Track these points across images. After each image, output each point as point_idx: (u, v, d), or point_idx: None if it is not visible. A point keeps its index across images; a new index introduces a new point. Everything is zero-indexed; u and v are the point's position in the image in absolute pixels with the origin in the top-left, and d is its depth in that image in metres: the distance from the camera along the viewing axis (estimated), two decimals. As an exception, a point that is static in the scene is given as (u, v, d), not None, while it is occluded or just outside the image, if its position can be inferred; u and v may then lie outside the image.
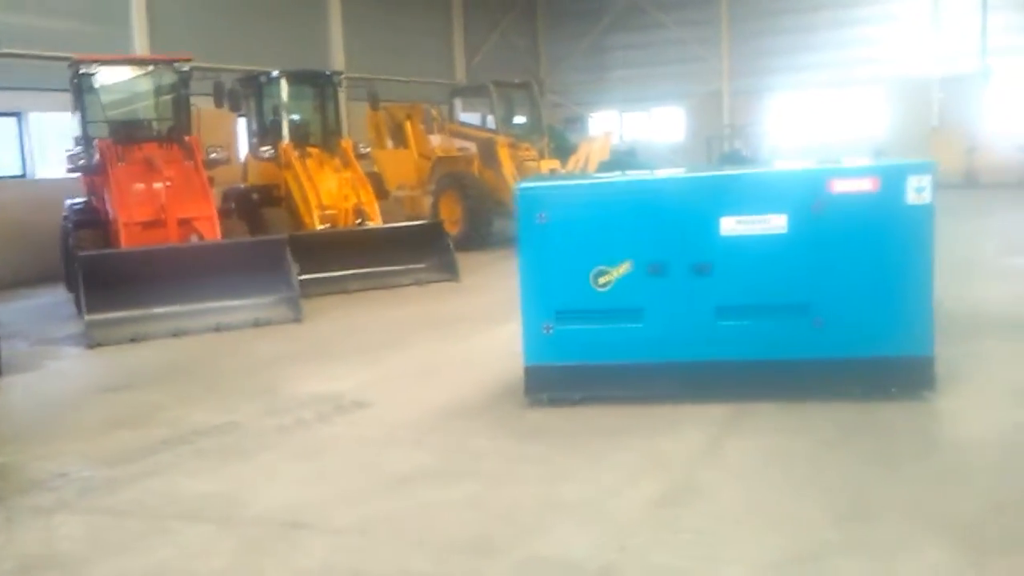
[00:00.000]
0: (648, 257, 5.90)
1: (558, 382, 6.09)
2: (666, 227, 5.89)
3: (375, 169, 17.63)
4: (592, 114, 30.31)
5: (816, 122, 26.67)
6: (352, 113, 19.65)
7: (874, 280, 5.74)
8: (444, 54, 25.43)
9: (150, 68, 12.03)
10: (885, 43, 25.41)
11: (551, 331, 6.02)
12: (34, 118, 14.47)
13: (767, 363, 5.91)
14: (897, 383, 5.79)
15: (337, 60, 20.68)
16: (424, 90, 22.03)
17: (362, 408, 6.38)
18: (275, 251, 9.99)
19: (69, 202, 12.40)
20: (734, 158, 21.06)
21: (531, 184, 6.16)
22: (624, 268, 5.93)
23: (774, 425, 5.50)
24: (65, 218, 12.05)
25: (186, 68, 11.93)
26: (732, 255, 5.82)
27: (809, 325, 5.82)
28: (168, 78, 12.03)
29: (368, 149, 14.56)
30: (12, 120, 14.41)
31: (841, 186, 5.70)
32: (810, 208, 5.70)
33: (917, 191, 5.62)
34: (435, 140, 17.81)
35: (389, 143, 18.13)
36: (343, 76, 17.73)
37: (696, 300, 5.89)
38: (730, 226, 5.81)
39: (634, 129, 29.61)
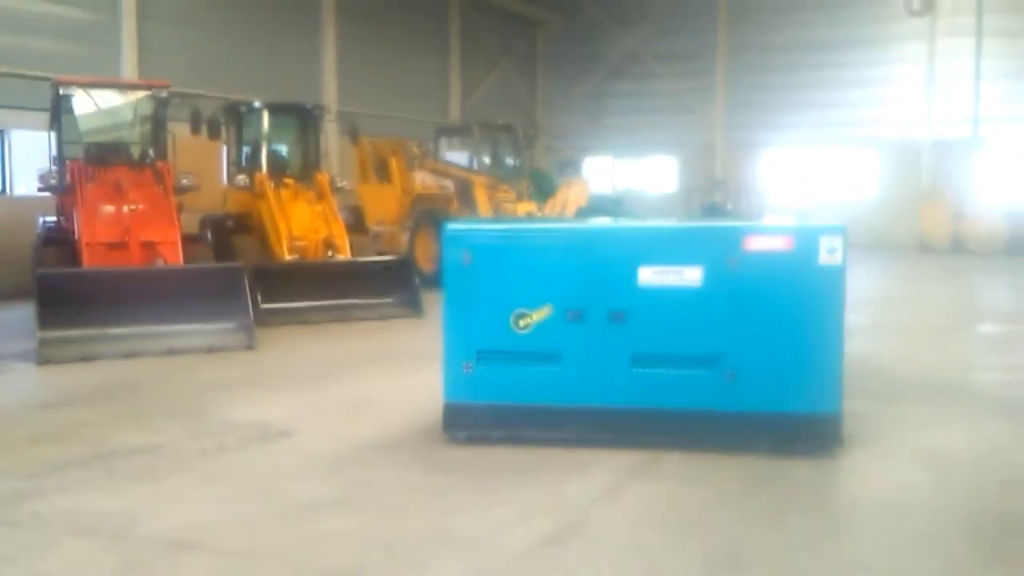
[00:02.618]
0: (567, 302, 6.03)
1: (477, 420, 6.20)
2: (586, 274, 6.02)
3: (358, 203, 17.92)
4: (586, 159, 30.62)
5: (807, 180, 26.93)
6: (343, 146, 19.94)
7: (785, 337, 5.87)
8: (439, 93, 25.79)
9: (128, 92, 12.23)
10: (879, 105, 25.73)
11: (471, 370, 6.14)
12: (17, 136, 14.67)
13: (680, 413, 6.01)
14: (805, 439, 5.89)
15: (329, 93, 20.99)
16: (416, 128, 22.30)
17: (285, 437, 6.47)
18: (233, 279, 10.12)
19: (42, 220, 12.59)
20: (715, 210, 21.29)
21: (456, 225, 6.31)
22: (544, 312, 6.06)
23: (678, 474, 5.60)
24: (38, 235, 12.23)
25: (164, 94, 12.18)
26: (648, 305, 5.95)
27: (721, 377, 5.94)
28: (146, 103, 12.26)
29: (344, 183, 14.72)
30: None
31: (756, 244, 5.85)
32: (725, 263, 5.85)
33: (829, 252, 5.78)
34: (419, 177, 18.06)
35: (373, 178, 18.39)
36: (328, 110, 18.07)
37: (612, 347, 6.02)
38: (647, 276, 5.95)
39: (626, 177, 29.89)
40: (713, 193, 23.71)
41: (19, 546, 4.46)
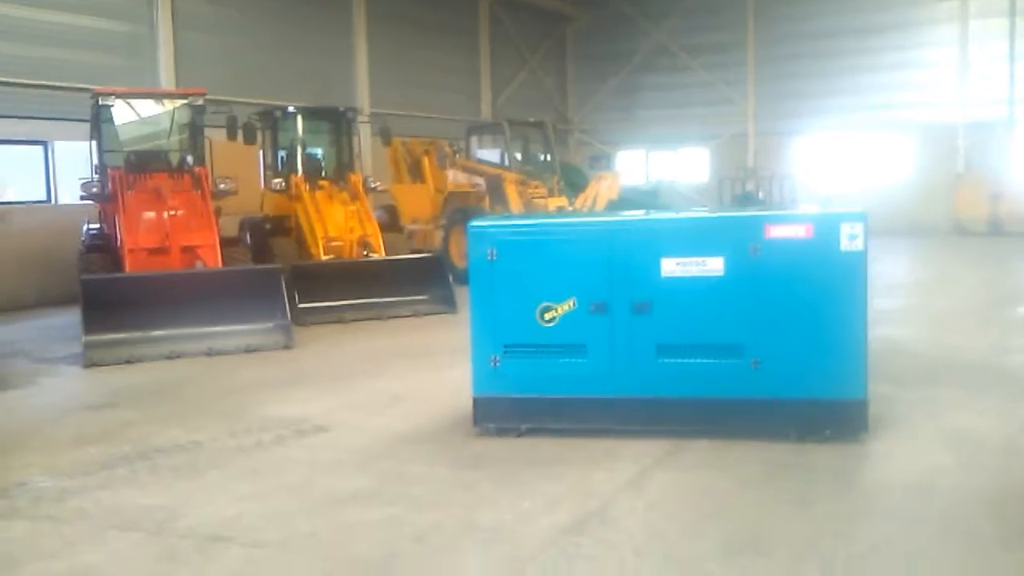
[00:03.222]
0: (591, 295, 6.13)
1: (505, 413, 6.32)
2: (609, 267, 6.11)
3: (392, 202, 18.15)
4: (619, 153, 30.62)
5: (841, 166, 26.70)
6: (376, 148, 20.17)
7: (808, 323, 5.90)
8: (471, 91, 25.93)
9: (165, 101, 12.51)
10: (912, 89, 25.46)
11: (498, 364, 6.26)
12: (60, 147, 15.05)
13: (706, 401, 6.09)
14: (831, 425, 5.93)
15: (362, 96, 21.23)
16: (449, 127, 22.46)
17: (321, 432, 6.65)
18: (270, 280, 10.35)
19: (86, 227, 12.94)
20: (747, 200, 21.20)
21: (481, 222, 6.43)
22: (568, 305, 6.16)
23: (703, 461, 5.68)
24: (82, 242, 12.58)
25: (200, 102, 12.44)
26: (672, 295, 6.03)
27: (746, 365, 5.99)
28: (183, 111, 12.55)
29: (377, 184, 14.92)
30: (39, 148, 15.01)
31: (776, 232, 5.90)
32: (746, 253, 5.90)
33: (850, 238, 5.80)
34: (451, 175, 18.23)
35: (407, 178, 18.61)
36: (361, 112, 18.32)
37: (637, 338, 6.10)
38: (670, 267, 6.03)
39: (660, 169, 29.84)
40: (745, 183, 23.60)
41: (63, 540, 4.66)
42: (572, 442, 6.08)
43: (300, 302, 11.74)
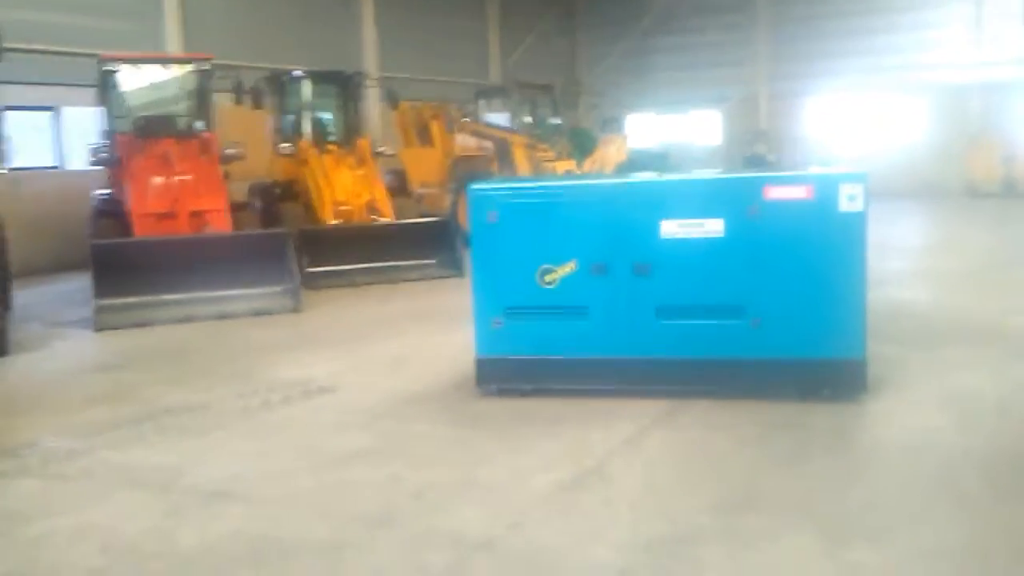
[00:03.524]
0: (592, 257, 6.16)
1: (508, 374, 6.39)
2: (609, 229, 6.14)
3: (401, 167, 18.18)
4: (630, 115, 30.44)
5: (853, 127, 26.52)
6: (385, 112, 20.17)
7: (808, 284, 5.92)
8: (479, 55, 25.82)
9: (172, 66, 12.53)
10: (925, 49, 25.20)
11: (501, 325, 6.32)
12: (68, 112, 15.10)
13: (706, 361, 6.13)
14: (830, 385, 5.97)
15: (370, 60, 21.17)
16: (458, 90, 22.39)
17: (326, 393, 6.74)
18: (278, 244, 10.42)
19: (96, 193, 13.02)
20: (757, 162, 21.12)
21: (482, 185, 6.45)
22: (569, 267, 6.20)
23: (703, 421, 5.74)
24: (92, 208, 12.66)
25: (207, 67, 12.46)
26: (672, 257, 6.06)
27: (746, 326, 6.03)
28: (190, 76, 12.56)
29: (384, 148, 14.95)
30: (47, 114, 15.07)
31: (775, 193, 5.90)
32: (746, 214, 5.91)
33: (849, 199, 5.81)
34: (459, 139, 18.22)
35: (416, 142, 18.62)
36: (369, 77, 18.28)
37: (637, 299, 6.14)
38: (670, 229, 6.05)
39: (671, 131, 29.69)
40: (754, 145, 23.49)
41: (70, 498, 4.78)
42: (573, 402, 6.15)
43: (309, 266, 11.83)
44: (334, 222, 13.00)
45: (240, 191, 14.68)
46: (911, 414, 5.78)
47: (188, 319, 9.74)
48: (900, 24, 25.27)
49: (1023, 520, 4.17)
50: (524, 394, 6.34)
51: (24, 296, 11.72)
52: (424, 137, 18.68)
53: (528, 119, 18.61)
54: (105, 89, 12.18)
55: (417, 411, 6.21)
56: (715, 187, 6.23)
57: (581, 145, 17.79)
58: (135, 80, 12.30)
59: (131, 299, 9.73)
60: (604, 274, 6.15)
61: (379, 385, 6.92)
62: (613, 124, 29.48)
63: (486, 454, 5.26)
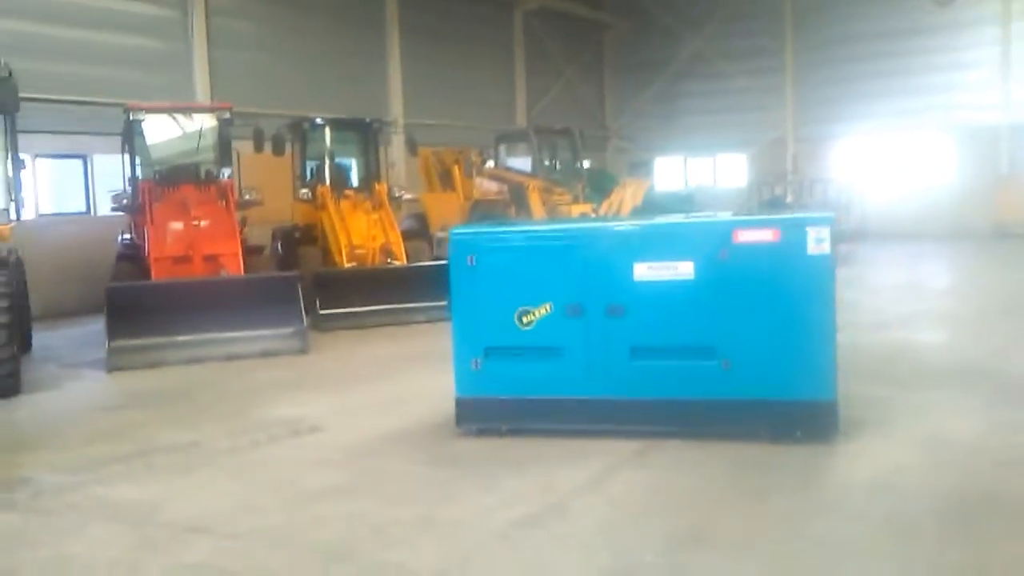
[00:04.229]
0: (567, 299, 6.33)
1: (487, 414, 6.54)
2: (583, 272, 6.31)
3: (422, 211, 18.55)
4: (658, 159, 30.68)
5: (882, 169, 26.47)
6: (411, 158, 20.60)
7: (777, 326, 6.03)
8: (506, 101, 26.22)
9: (193, 115, 12.96)
10: (954, 90, 25.14)
11: (479, 366, 6.49)
12: (98, 160, 15.64)
13: (679, 402, 6.24)
14: (802, 426, 6.04)
15: (396, 107, 21.62)
16: (484, 136, 22.70)
17: (315, 432, 6.93)
18: (288, 287, 10.70)
19: (121, 237, 13.45)
20: (775, 204, 21.18)
21: (461, 230, 6.66)
22: (545, 309, 6.37)
23: (670, 461, 5.84)
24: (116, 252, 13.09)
25: (227, 115, 12.87)
26: (645, 299, 6.20)
27: (717, 367, 6.14)
28: (211, 125, 12.97)
29: (402, 192, 15.28)
30: (79, 162, 15.64)
31: (745, 236, 6.04)
32: (716, 257, 6.05)
33: (817, 242, 5.92)
34: (481, 183, 18.56)
35: (438, 186, 19.03)
36: (395, 123, 18.74)
37: (611, 340, 6.28)
38: (643, 272, 6.20)
39: (698, 175, 29.87)
40: (774, 187, 23.52)
41: (50, 531, 5.00)
42: (549, 441, 6.27)
43: (321, 308, 12.11)
44: (348, 265, 13.28)
45: (264, 235, 15.12)
46: (884, 454, 5.83)
47: (198, 360, 10.01)
48: (928, 66, 25.25)
49: (966, 561, 4.22)
50: (502, 434, 6.48)
51: (47, 338, 12.12)
52: (446, 181, 19.06)
53: (554, 162, 18.90)
54: (129, 137, 12.63)
55: (397, 450, 6.37)
56: (686, 231, 6.37)
57: (600, 188, 18.01)
58: (158, 129, 12.73)
59: (143, 341, 10.01)
60: (579, 315, 6.31)
61: (367, 425, 7.10)
62: (641, 168, 29.78)
63: (453, 492, 5.40)
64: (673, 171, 30.36)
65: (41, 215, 15.23)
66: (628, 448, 6.06)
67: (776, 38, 27.76)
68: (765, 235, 6.02)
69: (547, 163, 18.08)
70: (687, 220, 6.64)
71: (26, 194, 14.68)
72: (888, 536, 4.51)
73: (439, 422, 6.94)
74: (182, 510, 5.27)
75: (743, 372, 6.09)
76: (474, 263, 6.45)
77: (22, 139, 14.09)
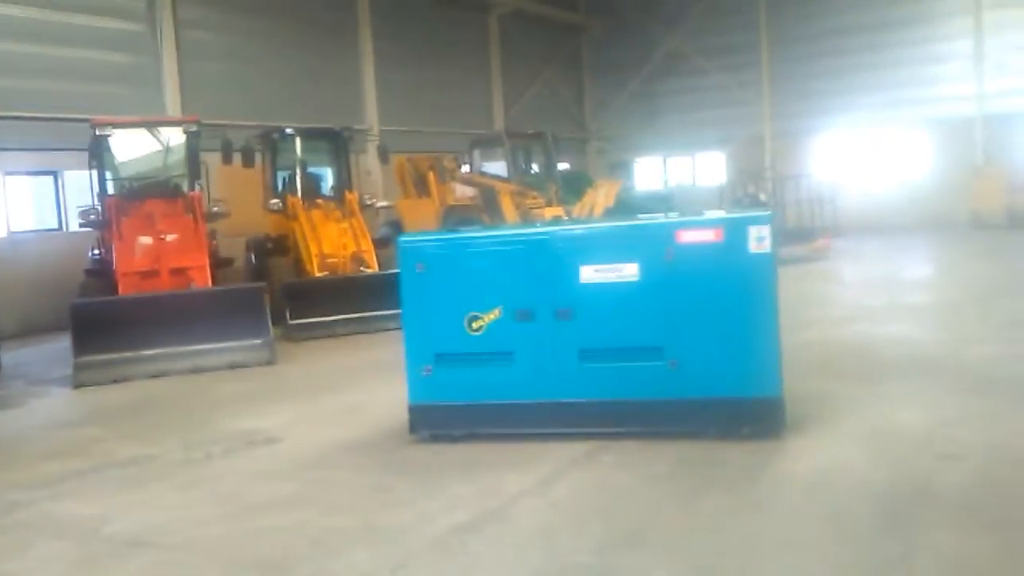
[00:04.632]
0: (516, 303, 6.36)
1: (439, 420, 6.57)
2: (531, 276, 6.34)
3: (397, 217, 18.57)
4: (637, 159, 30.77)
5: (859, 163, 26.60)
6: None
7: (722, 325, 6.06)
8: (483, 105, 26.25)
9: (160, 129, 12.97)
10: (928, 83, 25.26)
11: (431, 372, 6.51)
12: (70, 176, 15.62)
13: (629, 403, 6.26)
14: (749, 423, 6.08)
15: (371, 114, 21.64)
16: (461, 142, 22.74)
17: (270, 444, 6.95)
18: (254, 298, 10.70)
19: (91, 253, 13.45)
20: (747, 202, 21.24)
21: (410, 237, 6.69)
22: (495, 314, 6.40)
23: (617, 461, 5.87)
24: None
25: (193, 128, 12.88)
26: (592, 302, 6.24)
27: (665, 367, 6.17)
28: (178, 138, 12.98)
29: (373, 200, 15.32)
30: (50, 178, 15.64)
31: (687, 237, 6.08)
32: (660, 258, 6.08)
33: (758, 240, 5.96)
34: (457, 189, 18.60)
35: (414, 193, 19.05)
36: (371, 131, 18.77)
37: (560, 343, 6.31)
38: (588, 275, 6.24)
39: (677, 174, 29.97)
40: (747, 185, 23.58)
41: (-3, 549, 5.02)
42: (500, 446, 6.30)
43: (292, 318, 12.14)
44: (319, 275, 13.30)
45: (236, 246, 15.13)
46: (827, 450, 5.86)
47: (164, 374, 10.02)
48: (902, 59, 25.37)
49: (893, 553, 4.25)
50: (455, 440, 6.50)
51: (18, 355, 12.11)
52: (422, 188, 19.08)
53: (533, 166, 18.96)
54: (96, 153, 12.63)
55: (348, 459, 6.39)
56: (629, 233, 6.40)
57: (575, 191, 18.06)
58: (124, 143, 12.74)
59: (109, 356, 10.01)
60: (528, 320, 6.34)
61: (322, 435, 7.11)
62: (621, 169, 29.86)
63: (397, 499, 5.42)
64: (653, 171, 30.43)
65: (13, 232, 15.18)
66: (578, 450, 6.08)
67: (751, 33, 27.86)
68: (707, 235, 6.07)
69: (522, 167, 18.12)
70: (631, 222, 6.66)
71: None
72: (819, 532, 4.54)
73: (396, 429, 6.94)
74: (127, 525, 5.28)
75: (690, 371, 6.13)
76: (423, 270, 6.48)
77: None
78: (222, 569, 4.51)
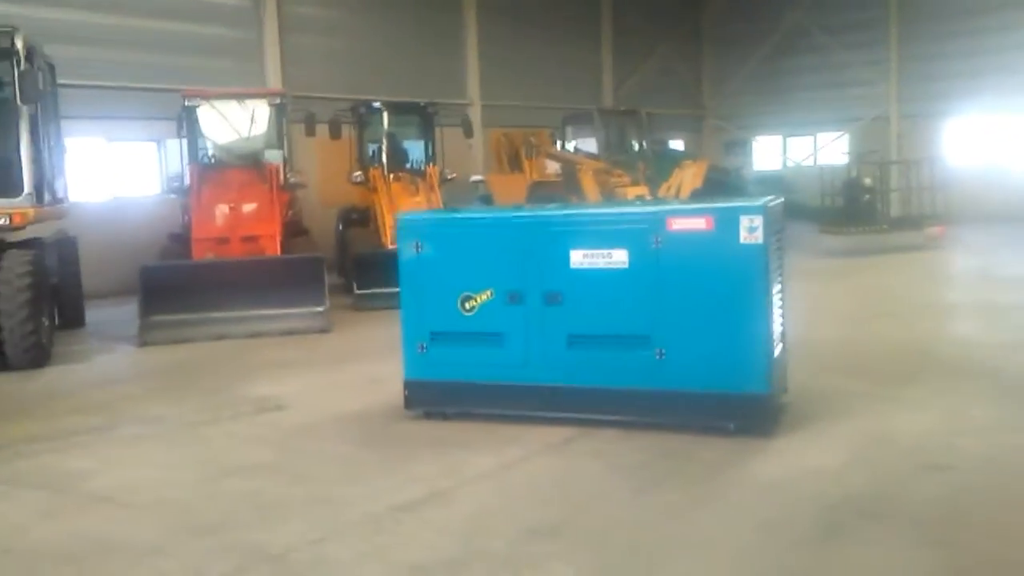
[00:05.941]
0: (507, 285, 6.32)
1: (433, 397, 6.62)
2: (523, 258, 6.28)
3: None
4: (755, 138, 29.83)
5: (993, 149, 25.00)
6: (484, 138, 20.80)
7: (709, 316, 5.86)
8: (592, 81, 25.94)
9: (247, 101, 13.41)
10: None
11: (425, 350, 6.56)
12: (171, 145, 16.37)
13: (614, 391, 6.15)
14: (736, 419, 5.87)
15: (472, 88, 21.73)
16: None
17: (278, 411, 7.16)
18: (313, 268, 11.00)
19: (183, 218, 14.10)
20: (852, 186, 20.15)
21: (409, 216, 6.72)
22: (487, 295, 6.38)
23: (594, 449, 5.78)
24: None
25: (278, 100, 13.29)
26: (581, 287, 6.14)
27: (651, 356, 6.02)
28: (264, 109, 13.39)
29: (454, 175, 15.43)
30: (153, 146, 16.45)
31: (678, 224, 5.89)
32: (650, 245, 5.92)
33: (750, 230, 5.72)
34: (548, 166, 18.54)
35: (506, 168, 19.14)
36: (471, 105, 18.88)
37: (549, 327, 6.25)
38: (578, 259, 6.13)
39: (797, 154, 28.90)
40: (851, 169, 22.33)
41: (-24, 497, 5.38)
42: (486, 427, 6.30)
43: (359, 288, 12.43)
44: (392, 247, 13.49)
45: (322, 217, 15.62)
46: (806, 452, 5.59)
47: (224, 337, 10.44)
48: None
49: (836, 561, 4.05)
50: (447, 417, 6.54)
51: (106, 313, 12.81)
52: (515, 163, 19.11)
53: (633, 144, 18.66)
54: (186, 122, 13.19)
55: (339, 431, 6.52)
56: (619, 219, 6.25)
57: (664, 170, 17.69)
58: (212, 114, 13.24)
59: (173, 317, 10.52)
60: (519, 302, 6.30)
61: (327, 405, 7.27)
62: (738, 148, 29.03)
63: (359, 473, 5.51)
64: (771, 151, 29.45)
65: (117, 197, 16.05)
66: (558, 436, 6.03)
67: (880, 9, 26.45)
68: (698, 223, 5.86)
69: (614, 144, 17.88)
70: (622, 208, 6.49)
71: (98, 177, 15.65)
72: (742, 538, 4.34)
73: (394, 404, 7.02)
74: (107, 481, 5.55)
75: (677, 362, 5.96)
76: (420, 249, 6.52)
77: (94, 124, 15.07)
78: (163, 530, 4.68)
